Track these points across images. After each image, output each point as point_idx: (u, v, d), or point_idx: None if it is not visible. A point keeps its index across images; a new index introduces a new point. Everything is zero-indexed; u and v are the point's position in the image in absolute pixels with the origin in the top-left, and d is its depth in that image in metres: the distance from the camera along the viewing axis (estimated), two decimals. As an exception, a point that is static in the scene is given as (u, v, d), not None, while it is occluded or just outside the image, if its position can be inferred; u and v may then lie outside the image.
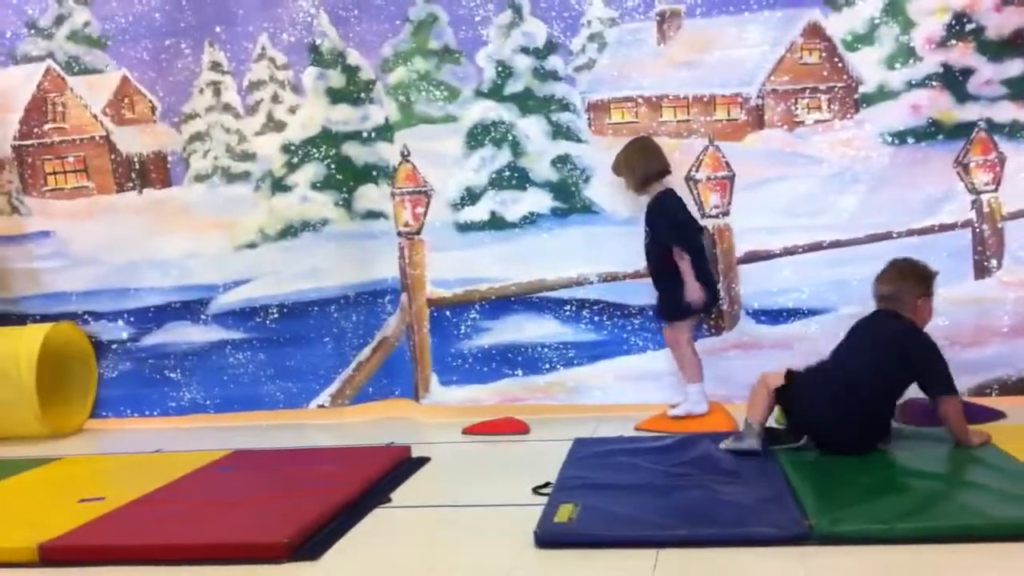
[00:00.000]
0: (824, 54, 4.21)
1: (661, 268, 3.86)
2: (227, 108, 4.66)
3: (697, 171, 4.25)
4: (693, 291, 3.77)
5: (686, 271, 3.76)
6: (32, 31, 4.74)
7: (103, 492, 3.15)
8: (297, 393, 4.62)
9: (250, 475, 3.37)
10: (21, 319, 4.74)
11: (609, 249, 4.28)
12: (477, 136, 4.45)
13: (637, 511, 2.64)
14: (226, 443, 3.94)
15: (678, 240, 3.78)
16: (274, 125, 4.64)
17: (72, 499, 3.11)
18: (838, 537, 2.40)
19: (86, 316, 4.76)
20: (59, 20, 4.72)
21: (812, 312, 4.12)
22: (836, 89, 4.21)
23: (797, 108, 4.25)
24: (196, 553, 2.58)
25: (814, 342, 3.94)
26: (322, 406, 4.60)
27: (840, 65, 4.19)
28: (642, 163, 3.89)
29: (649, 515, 2.60)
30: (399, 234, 4.51)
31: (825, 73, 4.22)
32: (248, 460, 3.59)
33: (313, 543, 2.63)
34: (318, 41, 4.53)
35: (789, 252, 4.19)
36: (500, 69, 4.43)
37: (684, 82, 4.35)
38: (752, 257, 4.23)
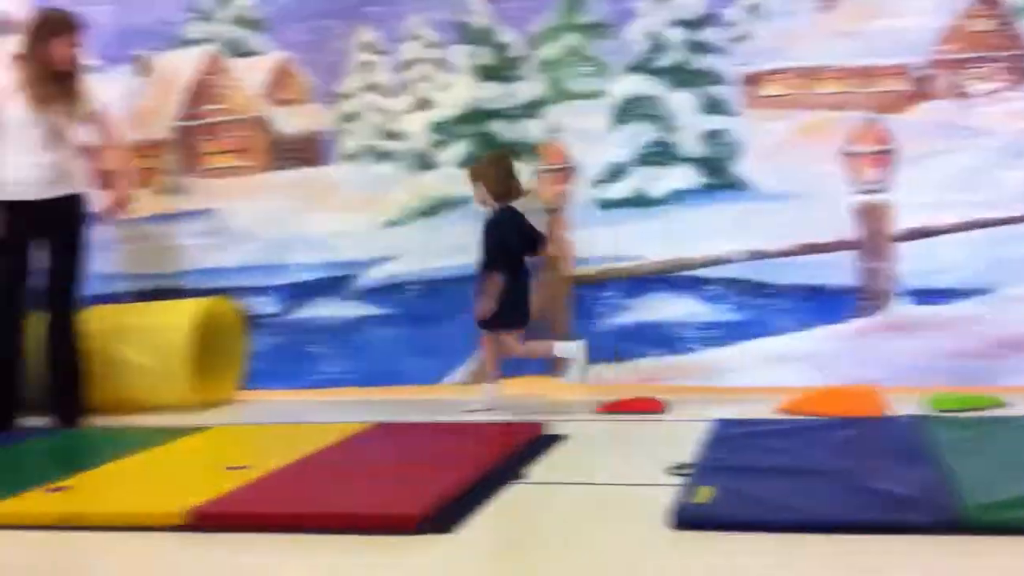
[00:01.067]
0: (996, 21, 3.95)
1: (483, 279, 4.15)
2: (378, 88, 4.71)
3: (855, 145, 4.06)
4: (484, 309, 4.08)
5: (491, 289, 4.06)
6: (195, 15, 4.90)
7: (249, 461, 3.22)
8: (436, 369, 4.65)
9: (389, 447, 3.40)
10: (179, 293, 4.93)
11: (758, 226, 4.14)
12: (626, 111, 4.37)
13: (779, 495, 2.53)
14: (368, 416, 3.99)
15: (494, 264, 4.07)
16: (423, 104, 4.67)
17: (221, 467, 3.19)
18: (998, 526, 2.23)
19: (240, 291, 4.91)
20: (222, 3, 4.86)
21: (974, 292, 3.89)
22: (1008, 58, 3.95)
23: (965, 78, 4.00)
24: (333, 522, 2.60)
25: (974, 323, 3.71)
26: (459, 383, 4.61)
27: (1013, 33, 3.92)
28: (495, 183, 4.11)
29: (792, 499, 2.49)
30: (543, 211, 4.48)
31: (996, 41, 3.95)
32: (388, 433, 3.62)
33: (445, 516, 2.61)
34: (468, 19, 4.53)
35: (952, 229, 3.96)
36: (652, 43, 4.33)
37: (845, 52, 4.17)
38: (913, 234, 4.02)
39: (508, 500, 2.80)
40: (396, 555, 2.43)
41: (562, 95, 4.45)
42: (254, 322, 4.88)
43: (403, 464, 3.10)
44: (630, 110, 4.34)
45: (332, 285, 4.79)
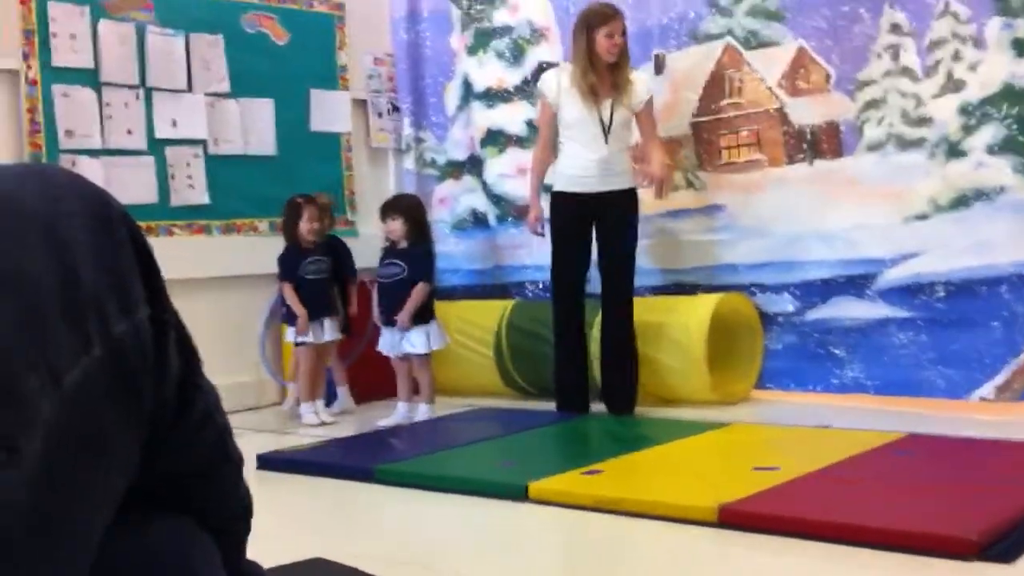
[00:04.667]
0: None
1: None
2: (905, 71, 4.40)
3: None
4: None
5: None
6: (714, 10, 4.90)
7: (776, 462, 3.14)
8: (959, 382, 4.22)
9: (929, 462, 3.14)
10: (692, 289, 4.96)
11: None
12: None
13: None
14: (892, 426, 3.72)
15: None
16: (952, 85, 4.28)
17: (746, 465, 3.15)
18: None
19: (753, 288, 4.84)
20: (738, -3, 4.83)
21: None
22: None
23: None
24: (873, 536, 2.44)
25: None
26: (985, 399, 4.15)
27: None
28: None
29: None
30: (1106, 204, 3.90)
31: None
32: (925, 446, 3.34)
33: (1006, 544, 2.34)
34: (1011, -12, 4.08)
35: None
36: None
37: None
38: None
39: (1081, 534, 2.45)
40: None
41: None
42: (769, 320, 4.79)
43: (950, 482, 2.84)
44: None
45: (850, 284, 4.56)
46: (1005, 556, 2.29)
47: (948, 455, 3.22)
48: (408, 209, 4.73)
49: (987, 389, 4.16)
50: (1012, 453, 3.19)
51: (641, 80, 4.47)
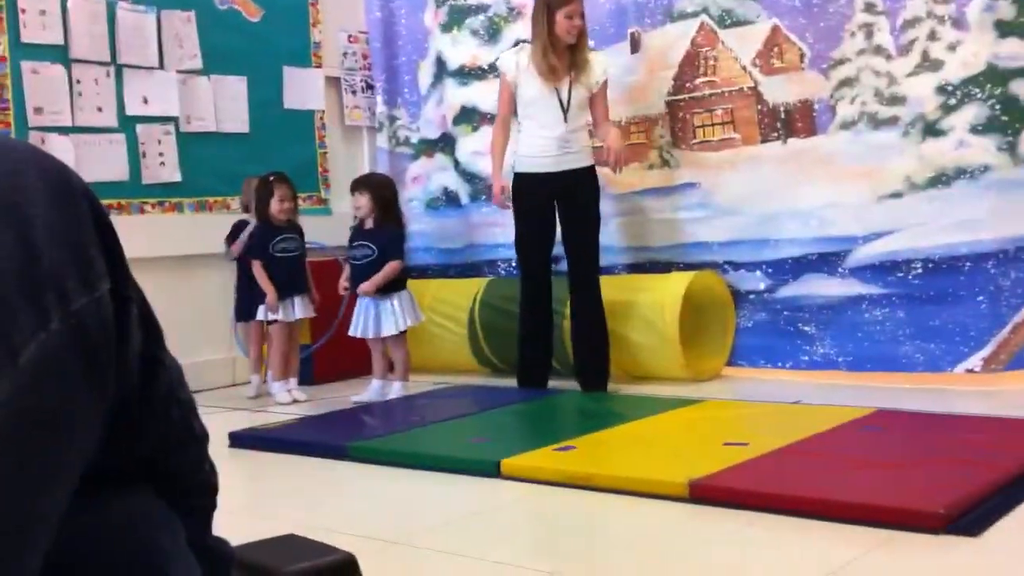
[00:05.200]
0: None
1: None
2: (878, 50, 4.41)
3: None
4: None
5: None
6: (690, -13, 4.89)
7: (747, 438, 3.17)
8: (940, 356, 4.27)
9: (898, 437, 3.16)
10: (666, 267, 4.98)
11: None
12: None
13: None
14: (864, 401, 3.76)
15: None
16: (929, 65, 4.29)
17: (717, 441, 3.17)
18: None
19: (726, 266, 4.86)
20: (714, -25, 4.82)
21: None
22: None
23: None
24: (840, 510, 2.46)
25: None
26: (971, 371, 4.20)
27: None
28: None
29: None
30: (1077, 181, 3.94)
31: None
32: (894, 421, 3.37)
33: (972, 517, 2.37)
34: (987, -32, 4.09)
35: None
36: None
37: None
38: None
39: (1044, 506, 2.49)
40: (914, 555, 2.24)
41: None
42: (741, 297, 4.81)
43: (918, 456, 2.87)
44: None
45: (822, 261, 4.59)
46: (971, 529, 2.31)
47: (918, 430, 3.25)
48: (376, 187, 4.72)
49: (973, 361, 4.19)
50: (981, 427, 3.22)
51: (599, 61, 4.46)
